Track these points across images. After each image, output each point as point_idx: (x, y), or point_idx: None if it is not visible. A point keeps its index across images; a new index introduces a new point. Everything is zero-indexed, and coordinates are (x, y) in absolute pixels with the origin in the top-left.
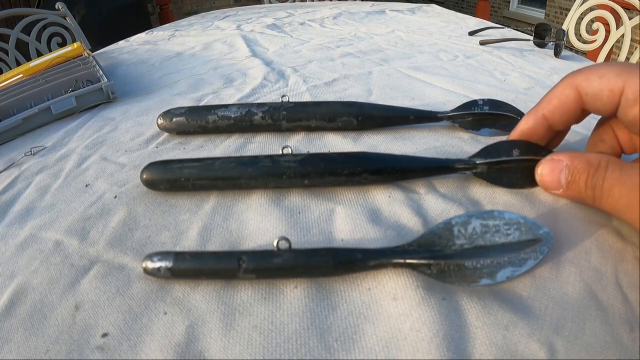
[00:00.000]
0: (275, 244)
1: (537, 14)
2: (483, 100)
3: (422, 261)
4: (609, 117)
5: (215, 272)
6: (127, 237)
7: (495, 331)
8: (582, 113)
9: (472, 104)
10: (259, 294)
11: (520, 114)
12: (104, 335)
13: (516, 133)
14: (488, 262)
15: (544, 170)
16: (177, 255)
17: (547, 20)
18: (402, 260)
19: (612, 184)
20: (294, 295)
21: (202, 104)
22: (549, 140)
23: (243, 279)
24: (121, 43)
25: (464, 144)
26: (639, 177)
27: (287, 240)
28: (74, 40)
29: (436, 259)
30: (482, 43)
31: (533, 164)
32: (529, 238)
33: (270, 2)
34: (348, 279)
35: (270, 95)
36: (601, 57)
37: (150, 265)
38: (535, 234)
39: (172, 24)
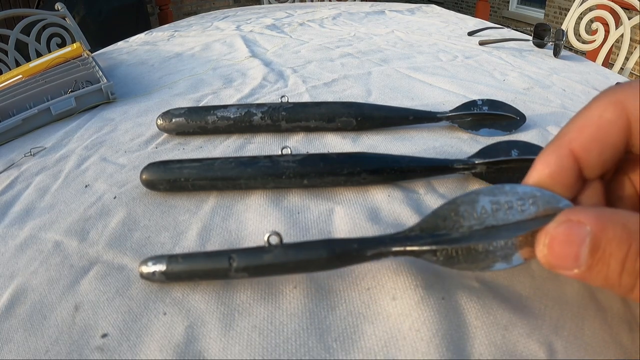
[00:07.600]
0: (265, 239)
1: (537, 14)
2: (482, 100)
3: (425, 247)
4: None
5: (207, 272)
6: (127, 237)
7: (494, 331)
8: (624, 149)
9: (472, 104)
10: (258, 294)
11: (520, 114)
12: (104, 335)
13: (532, 180)
14: (502, 244)
15: (555, 237)
16: (170, 259)
17: (547, 21)
18: (402, 248)
19: None
20: (293, 295)
21: (201, 104)
22: (576, 195)
23: (236, 278)
24: (120, 44)
25: (463, 144)
26: None
27: (278, 234)
28: (73, 41)
29: (441, 244)
30: (482, 43)
31: (531, 164)
32: (548, 213)
33: (270, 3)
34: (347, 278)
35: (270, 96)
36: (600, 57)
37: (145, 270)
38: (554, 208)
39: (171, 24)
